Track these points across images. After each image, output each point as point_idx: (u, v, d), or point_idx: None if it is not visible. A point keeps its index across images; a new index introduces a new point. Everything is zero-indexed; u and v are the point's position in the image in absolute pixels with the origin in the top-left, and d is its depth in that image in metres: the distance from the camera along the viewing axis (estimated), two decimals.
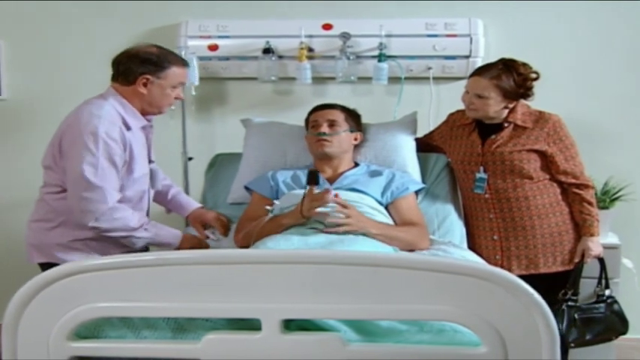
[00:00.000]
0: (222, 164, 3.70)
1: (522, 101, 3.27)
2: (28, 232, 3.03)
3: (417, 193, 3.34)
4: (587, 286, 3.38)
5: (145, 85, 2.98)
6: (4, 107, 4.25)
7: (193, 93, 3.98)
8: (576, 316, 3.28)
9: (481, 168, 3.29)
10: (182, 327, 1.93)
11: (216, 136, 3.86)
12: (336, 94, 4.02)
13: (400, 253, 1.99)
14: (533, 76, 3.21)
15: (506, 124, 3.26)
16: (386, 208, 3.20)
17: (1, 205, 4.31)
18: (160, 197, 3.42)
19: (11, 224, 4.08)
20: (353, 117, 3.43)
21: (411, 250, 2.96)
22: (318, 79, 4.10)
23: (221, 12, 4.12)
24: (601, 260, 3.36)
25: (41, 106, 4.24)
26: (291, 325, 1.88)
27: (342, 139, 3.33)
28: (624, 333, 3.39)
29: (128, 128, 2.96)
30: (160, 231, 3.00)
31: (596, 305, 3.35)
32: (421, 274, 1.77)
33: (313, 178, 2.90)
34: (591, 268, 3.35)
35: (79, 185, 2.82)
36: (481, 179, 3.29)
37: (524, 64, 3.22)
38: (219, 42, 4.05)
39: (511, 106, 3.23)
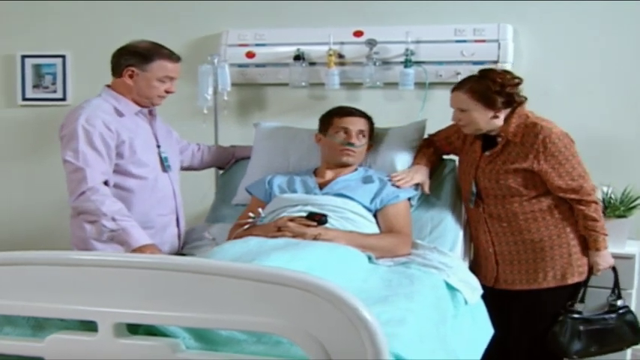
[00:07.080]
0: (237, 166, 3.60)
1: (522, 111, 2.95)
2: (70, 231, 3.02)
3: (411, 198, 3.13)
4: (600, 297, 3.14)
5: (130, 76, 2.97)
6: None
7: (225, 98, 3.91)
8: (581, 328, 3.01)
9: (473, 182, 3.04)
10: (41, 325, 1.86)
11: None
12: (368, 100, 3.87)
13: (223, 262, 1.83)
14: (515, 81, 2.92)
15: (499, 139, 2.96)
16: (375, 214, 3.02)
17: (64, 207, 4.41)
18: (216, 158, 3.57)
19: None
20: (372, 127, 3.25)
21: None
22: (350, 85, 3.98)
23: (259, 22, 4.07)
24: (614, 270, 3.08)
25: None
26: (139, 330, 1.78)
27: (363, 151, 3.18)
28: (636, 343, 3.11)
29: (121, 115, 2.96)
30: (131, 229, 2.75)
31: (605, 316, 3.08)
32: (244, 283, 1.60)
33: (319, 222, 2.82)
34: (603, 278, 3.08)
35: (65, 169, 2.85)
36: (472, 193, 3.05)
37: (504, 71, 2.97)
38: (256, 50, 4.02)
39: (500, 115, 2.92)
